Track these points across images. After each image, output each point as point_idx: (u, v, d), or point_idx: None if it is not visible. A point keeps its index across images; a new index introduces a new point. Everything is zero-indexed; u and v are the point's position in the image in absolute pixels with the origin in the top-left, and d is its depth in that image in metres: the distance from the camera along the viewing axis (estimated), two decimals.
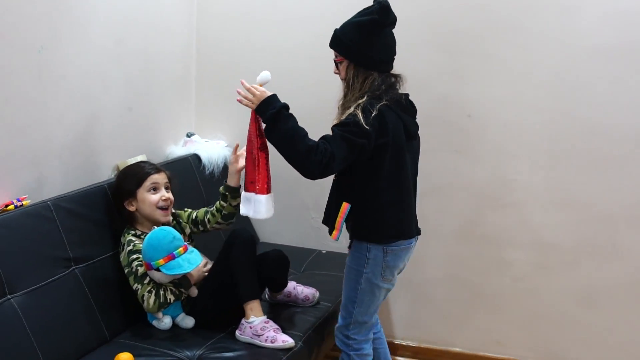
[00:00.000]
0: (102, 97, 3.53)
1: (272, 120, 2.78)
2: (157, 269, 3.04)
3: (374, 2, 2.84)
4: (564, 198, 3.79)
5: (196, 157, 4.12)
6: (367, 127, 2.73)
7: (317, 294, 3.54)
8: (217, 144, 4.25)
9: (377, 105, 2.79)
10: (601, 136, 3.67)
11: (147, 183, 3.24)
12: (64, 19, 3.20)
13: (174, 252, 3.04)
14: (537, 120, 3.76)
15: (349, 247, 3.03)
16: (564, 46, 3.65)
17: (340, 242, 3.07)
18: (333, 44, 2.92)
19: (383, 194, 2.89)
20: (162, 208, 3.25)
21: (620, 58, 3.59)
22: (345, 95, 2.90)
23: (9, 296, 2.70)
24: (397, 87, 2.94)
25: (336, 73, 2.96)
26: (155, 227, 3.15)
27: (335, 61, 2.94)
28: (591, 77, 3.65)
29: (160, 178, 3.29)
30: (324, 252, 4.17)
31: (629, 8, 3.54)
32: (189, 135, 4.24)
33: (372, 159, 2.83)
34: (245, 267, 3.16)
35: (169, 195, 3.29)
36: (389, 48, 2.92)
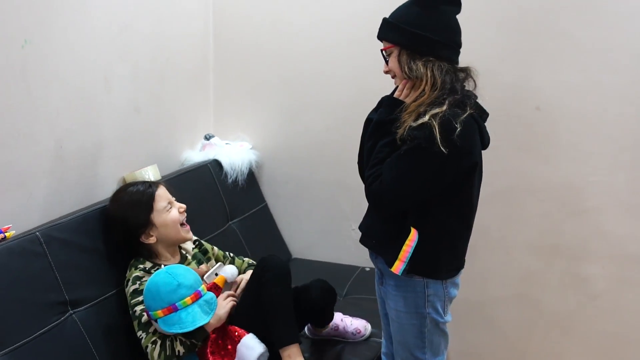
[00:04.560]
0: (103, 97, 3.13)
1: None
2: (156, 321, 2.61)
3: None
4: None
5: (216, 163, 3.78)
6: (444, 148, 2.26)
7: (369, 327, 3.19)
8: (240, 147, 3.93)
9: (462, 118, 2.32)
10: None
11: (161, 204, 2.87)
12: (53, 4, 2.79)
13: (177, 304, 2.59)
14: (618, 112, 3.38)
15: (381, 284, 2.66)
16: None
17: None
18: (381, 32, 2.52)
19: (452, 221, 2.48)
20: (182, 224, 2.94)
21: None
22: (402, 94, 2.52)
23: None
24: (470, 85, 2.52)
25: (387, 72, 2.54)
26: (164, 265, 2.78)
27: (384, 55, 2.53)
28: None
29: (164, 193, 2.94)
30: (367, 269, 3.80)
31: None
32: (207, 138, 3.90)
33: (452, 183, 2.42)
34: (282, 306, 2.77)
35: (182, 205, 2.98)
36: (450, 31, 2.47)
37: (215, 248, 3.16)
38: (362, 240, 2.63)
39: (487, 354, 3.84)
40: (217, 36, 3.96)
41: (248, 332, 2.76)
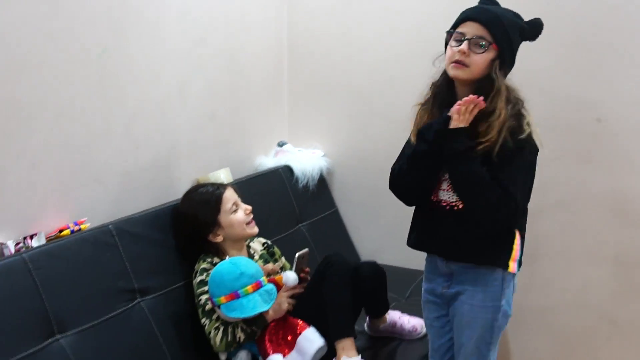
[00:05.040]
0: (179, 104, 3.25)
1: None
2: (219, 307, 2.72)
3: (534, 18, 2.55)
4: None
5: (288, 169, 3.84)
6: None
7: None
8: (313, 154, 3.98)
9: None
10: None
11: (228, 205, 2.98)
12: (129, 16, 2.95)
13: (239, 291, 2.71)
14: None
15: (448, 288, 2.64)
16: None
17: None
18: (492, 24, 2.42)
19: (525, 219, 2.60)
20: (248, 223, 3.04)
21: None
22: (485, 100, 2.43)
23: (57, 336, 2.42)
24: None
25: (462, 54, 2.40)
26: (229, 256, 2.88)
27: (478, 42, 2.41)
28: None
29: (232, 194, 3.04)
30: None
31: None
32: (280, 145, 3.97)
33: None
34: (341, 301, 2.87)
35: (248, 206, 3.08)
36: None
37: (283, 258, 3.24)
38: (451, 254, 2.58)
39: None
40: (291, 48, 4.01)
41: (309, 325, 2.85)
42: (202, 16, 3.33)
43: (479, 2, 2.57)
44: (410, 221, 2.73)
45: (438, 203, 2.54)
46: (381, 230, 3.92)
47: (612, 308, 3.56)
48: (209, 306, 2.80)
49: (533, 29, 2.50)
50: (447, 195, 2.51)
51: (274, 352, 2.77)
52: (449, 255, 2.58)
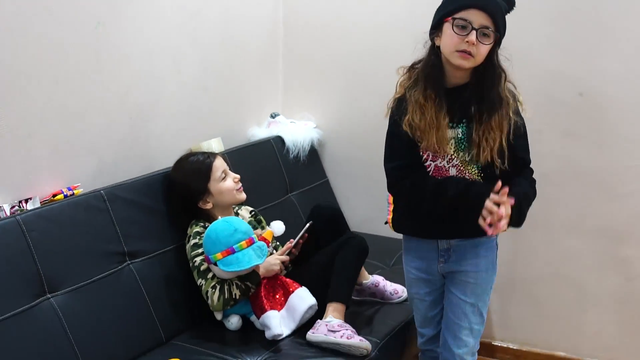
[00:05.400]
0: (173, 76, 3.34)
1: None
2: (215, 264, 2.83)
3: None
4: None
5: (279, 139, 3.91)
6: None
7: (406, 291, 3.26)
8: (305, 125, 4.04)
9: None
10: None
11: (217, 174, 3.09)
12: None
13: (234, 246, 2.82)
14: None
15: (445, 262, 2.66)
16: None
17: None
18: (497, 13, 2.39)
19: None
20: (237, 189, 3.15)
21: None
22: (492, 87, 2.45)
23: (48, 295, 2.54)
24: None
25: (471, 45, 2.35)
26: (220, 217, 2.97)
27: (484, 32, 2.36)
28: None
29: (221, 163, 3.14)
30: None
31: None
32: (273, 116, 4.03)
33: None
34: (350, 271, 3.03)
35: (236, 175, 3.18)
36: None
37: (267, 227, 3.28)
38: (456, 234, 2.59)
39: (528, 328, 3.83)
40: (286, 22, 4.05)
41: (309, 283, 2.99)
42: None
43: None
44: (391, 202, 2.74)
45: None
46: (370, 200, 3.96)
47: (592, 280, 3.64)
48: (204, 266, 2.91)
49: (509, 4, 2.48)
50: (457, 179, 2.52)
51: (271, 308, 2.89)
52: (453, 235, 2.60)
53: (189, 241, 3.00)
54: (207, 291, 2.90)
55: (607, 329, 3.68)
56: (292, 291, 2.96)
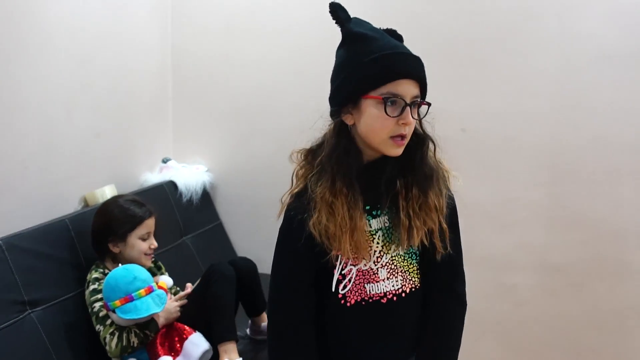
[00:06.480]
0: (65, 123, 3.33)
1: None
2: (113, 311, 2.83)
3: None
4: (569, 215, 3.52)
5: (172, 184, 3.94)
6: None
7: None
8: (196, 169, 4.09)
9: None
10: (608, 147, 3.40)
11: (142, 231, 3.10)
12: (12, 36, 3.00)
13: (133, 294, 2.83)
14: (537, 133, 3.51)
15: None
16: (564, 52, 3.40)
17: None
18: (425, 77, 1.94)
19: None
20: (147, 254, 3.14)
21: (625, 63, 3.31)
22: (422, 157, 2.01)
23: None
24: None
25: (415, 119, 1.92)
26: (121, 264, 2.96)
27: (415, 103, 1.90)
28: (595, 84, 3.37)
29: (151, 224, 3.15)
30: None
31: (632, 10, 3.27)
32: (164, 161, 4.06)
33: None
34: (224, 306, 3.00)
35: (156, 243, 3.17)
36: None
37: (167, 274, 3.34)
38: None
39: None
40: (176, 69, 4.11)
41: (195, 331, 2.97)
42: (87, 37, 3.40)
43: (385, 32, 1.98)
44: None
45: (373, 300, 2.00)
46: (263, 240, 3.89)
47: (482, 307, 3.67)
48: (103, 313, 2.89)
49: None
50: (389, 284, 2.01)
51: (164, 354, 2.88)
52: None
53: (88, 287, 2.97)
54: (105, 337, 2.88)
55: (501, 354, 3.75)
56: (187, 337, 2.96)
